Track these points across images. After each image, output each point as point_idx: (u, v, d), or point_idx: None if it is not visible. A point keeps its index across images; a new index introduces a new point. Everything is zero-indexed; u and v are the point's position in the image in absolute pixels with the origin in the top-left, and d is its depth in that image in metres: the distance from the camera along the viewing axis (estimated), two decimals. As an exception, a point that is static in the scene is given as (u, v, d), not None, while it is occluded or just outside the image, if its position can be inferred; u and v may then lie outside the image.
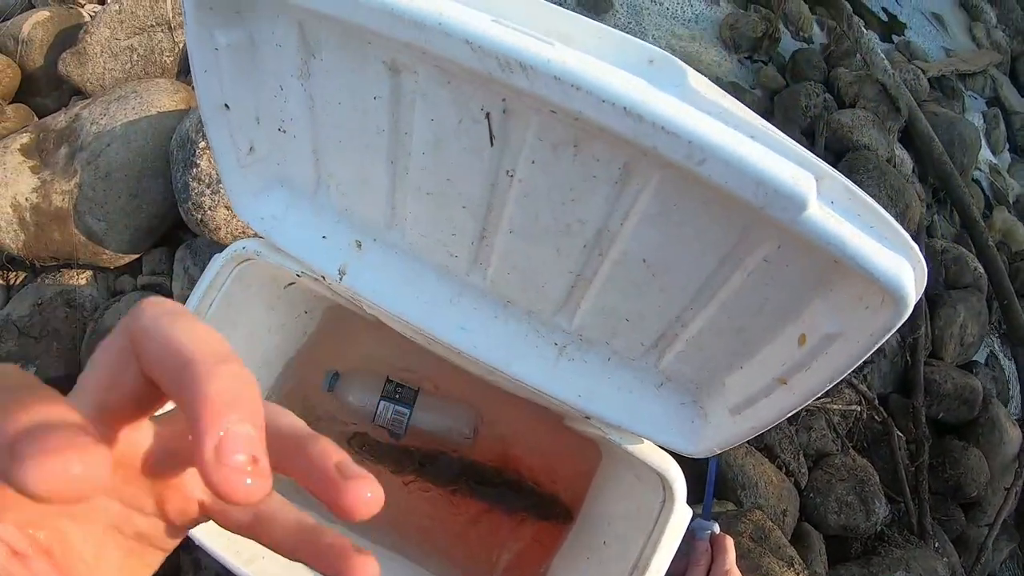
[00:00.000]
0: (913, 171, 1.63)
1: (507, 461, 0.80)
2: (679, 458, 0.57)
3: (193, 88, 1.16)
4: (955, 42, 2.33)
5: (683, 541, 0.56)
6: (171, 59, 1.26)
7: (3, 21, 1.29)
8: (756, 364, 0.48)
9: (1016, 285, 1.61)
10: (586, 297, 0.49)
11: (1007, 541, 1.40)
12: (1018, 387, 1.60)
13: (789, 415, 0.46)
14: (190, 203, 0.92)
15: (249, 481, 0.14)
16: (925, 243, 1.54)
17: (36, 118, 1.20)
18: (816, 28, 1.98)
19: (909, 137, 1.65)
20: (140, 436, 0.18)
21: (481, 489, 0.78)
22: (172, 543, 0.20)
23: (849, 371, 0.44)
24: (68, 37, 1.26)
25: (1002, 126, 2.14)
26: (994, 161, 2.05)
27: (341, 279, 0.55)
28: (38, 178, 1.04)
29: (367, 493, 0.16)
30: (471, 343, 0.54)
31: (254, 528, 0.20)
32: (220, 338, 0.16)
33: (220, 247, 0.70)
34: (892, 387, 1.38)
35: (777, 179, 0.35)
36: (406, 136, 0.46)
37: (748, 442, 1.12)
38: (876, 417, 1.30)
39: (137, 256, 1.07)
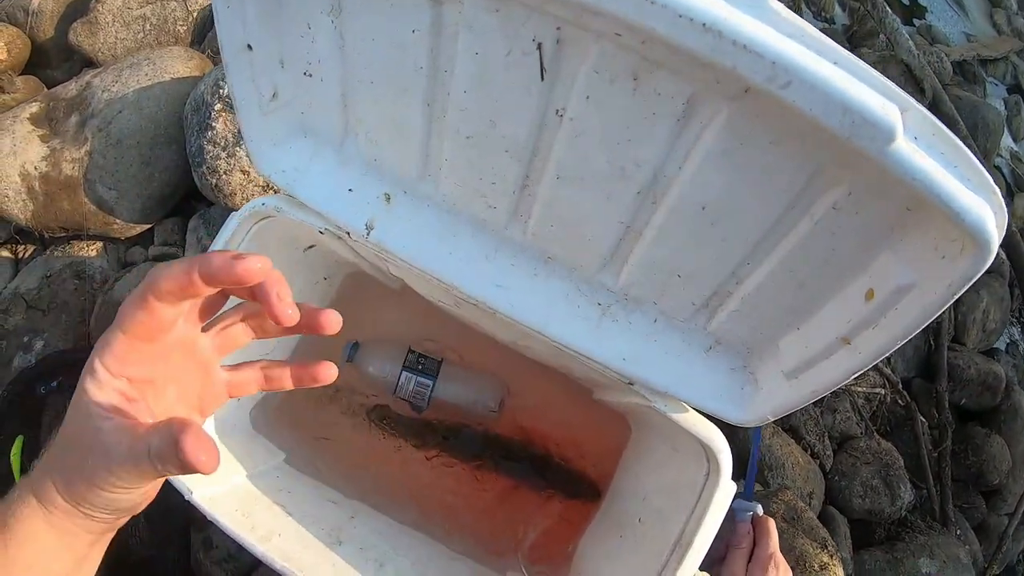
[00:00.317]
0: (936, 154, 1.59)
1: (533, 435, 0.77)
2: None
3: (207, 55, 1.13)
4: (975, 27, 2.28)
5: (722, 522, 0.52)
6: (184, 28, 1.23)
7: (13, -9, 1.27)
8: (816, 323, 0.45)
9: (1038, 272, 1.57)
10: (635, 251, 0.46)
11: (1028, 531, 1.38)
12: (1038, 375, 1.57)
13: (853, 377, 0.43)
14: (204, 167, 0.89)
15: (290, 311, 0.28)
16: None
17: (46, 90, 1.17)
18: (838, 9, 1.94)
19: (933, 119, 1.61)
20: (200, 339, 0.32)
21: (507, 464, 0.75)
22: (212, 410, 0.34)
23: (921, 328, 0.41)
24: (79, 7, 1.23)
25: (1023, 113, 2.10)
26: (1015, 148, 2.01)
27: (368, 234, 0.52)
28: (47, 147, 1.01)
29: (331, 316, 0.31)
30: (508, 302, 0.50)
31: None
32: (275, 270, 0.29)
33: (235, 214, 0.67)
34: (915, 371, 1.36)
35: (865, 106, 0.32)
36: (445, 74, 0.43)
37: (775, 422, 1.10)
38: (900, 401, 1.27)
39: (149, 226, 1.05)
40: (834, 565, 0.84)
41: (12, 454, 0.79)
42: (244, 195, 0.89)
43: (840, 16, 1.93)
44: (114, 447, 0.26)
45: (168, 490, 0.44)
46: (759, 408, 0.49)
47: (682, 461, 0.57)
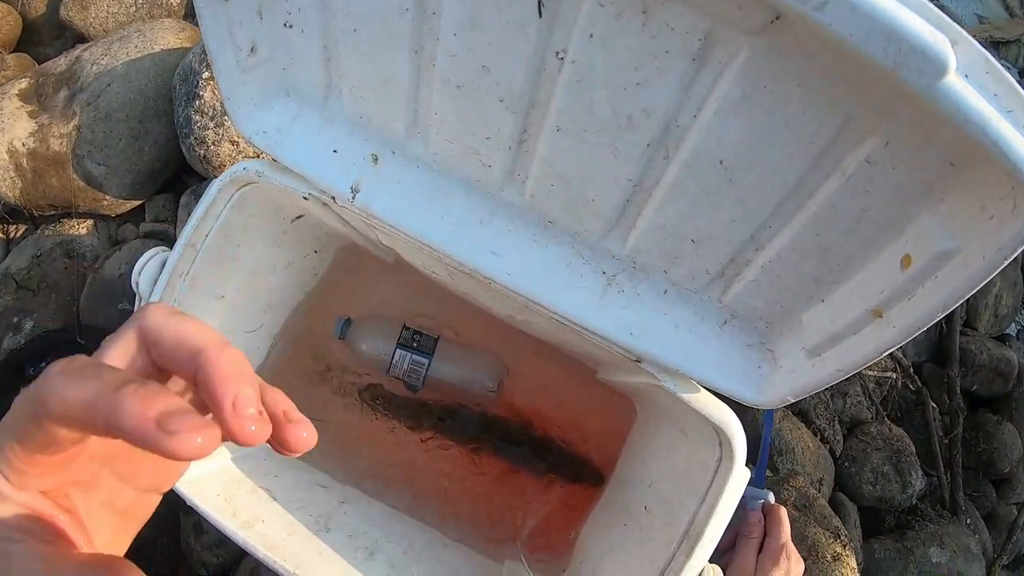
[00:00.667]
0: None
1: (533, 417, 0.74)
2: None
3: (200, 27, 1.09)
4: (988, 10, 2.21)
5: None
6: (177, 1, 1.19)
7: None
8: (844, 294, 0.41)
9: (1051, 257, 1.52)
10: (644, 213, 0.42)
11: (1038, 521, 1.34)
12: (1049, 362, 1.52)
13: (885, 354, 0.39)
14: (192, 138, 0.85)
15: (254, 427, 0.18)
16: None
17: (37, 67, 1.14)
18: None
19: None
20: None
21: (506, 447, 0.72)
22: (147, 514, 0.25)
23: (964, 299, 0.36)
24: (71, -17, 1.19)
25: (1036, 97, 2.04)
26: (1028, 131, 1.95)
27: (354, 198, 0.48)
28: (36, 122, 0.99)
29: (303, 433, 0.20)
30: (504, 270, 0.46)
31: None
32: (218, 332, 0.20)
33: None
34: (926, 355, 1.31)
35: (913, 31, 0.27)
36: (433, 16, 0.39)
37: (785, 406, 1.06)
38: (910, 386, 1.23)
39: (139, 203, 1.02)
40: (847, 555, 0.81)
41: None
42: (233, 167, 0.86)
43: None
44: None
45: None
46: (777, 389, 0.45)
47: (692, 445, 0.53)
